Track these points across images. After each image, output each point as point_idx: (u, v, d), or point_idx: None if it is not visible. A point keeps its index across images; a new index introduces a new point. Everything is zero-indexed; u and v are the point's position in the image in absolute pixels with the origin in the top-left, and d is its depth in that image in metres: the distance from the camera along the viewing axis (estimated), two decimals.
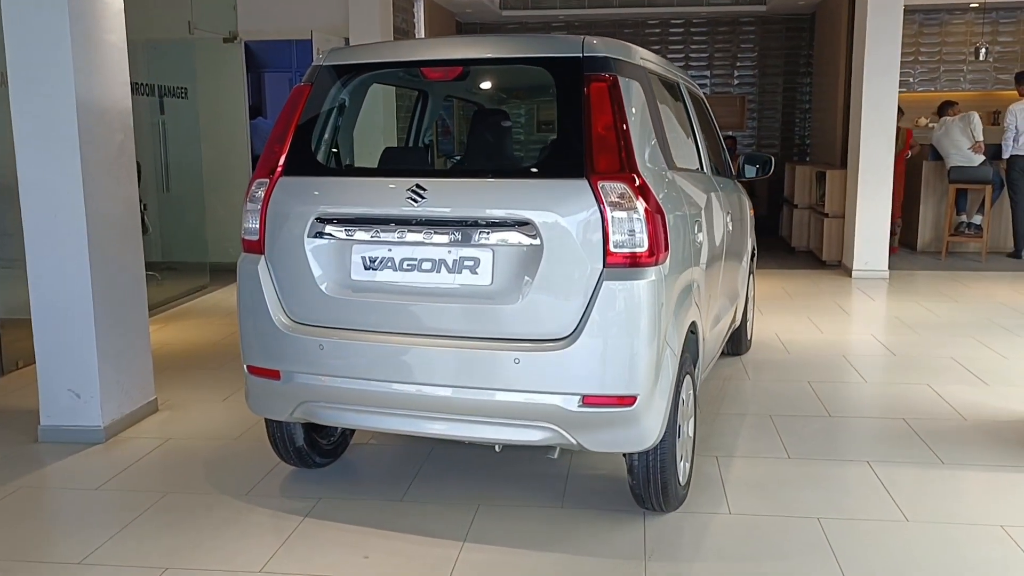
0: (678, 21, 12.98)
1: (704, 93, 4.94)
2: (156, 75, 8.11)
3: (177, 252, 8.59)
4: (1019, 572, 2.91)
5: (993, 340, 6.02)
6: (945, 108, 9.96)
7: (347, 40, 8.65)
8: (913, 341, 6.06)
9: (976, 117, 9.75)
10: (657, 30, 13.03)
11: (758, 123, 13.18)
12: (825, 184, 9.57)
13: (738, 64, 13.06)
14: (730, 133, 12.38)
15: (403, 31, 9.67)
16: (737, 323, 5.25)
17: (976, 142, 9.51)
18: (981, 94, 12.04)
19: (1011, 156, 9.55)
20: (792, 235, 10.73)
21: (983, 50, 10.63)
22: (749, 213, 5.43)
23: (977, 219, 9.88)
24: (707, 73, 13.07)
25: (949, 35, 12.14)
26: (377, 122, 8.89)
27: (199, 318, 6.99)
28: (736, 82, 13.11)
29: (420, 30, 10.29)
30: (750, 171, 5.18)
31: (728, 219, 4.46)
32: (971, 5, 11.79)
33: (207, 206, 8.58)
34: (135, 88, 7.72)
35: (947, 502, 3.46)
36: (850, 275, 8.73)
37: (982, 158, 9.57)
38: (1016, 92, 9.79)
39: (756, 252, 5.82)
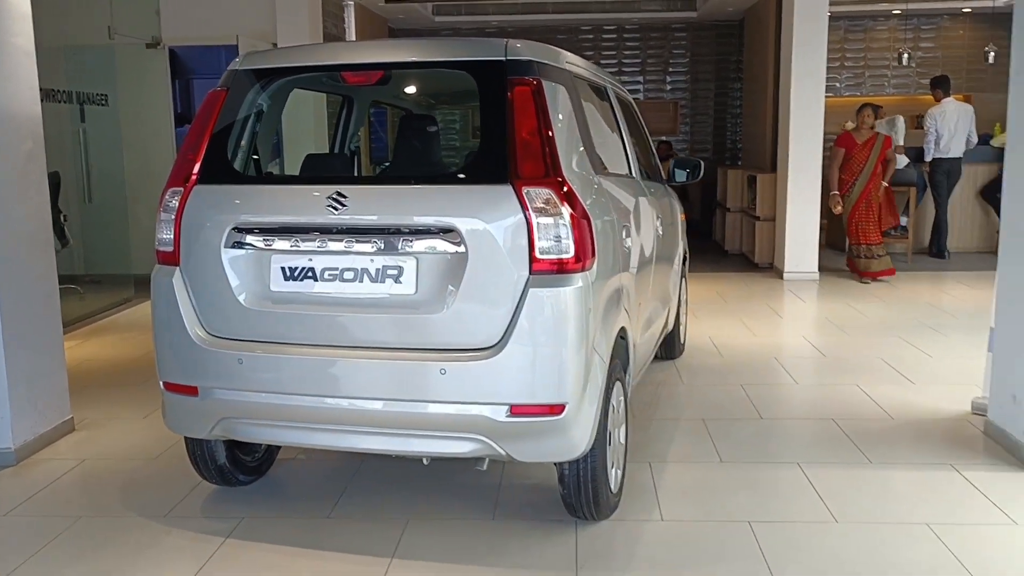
0: (611, 27, 13.06)
1: (637, 98, 4.93)
2: (75, 81, 7.84)
3: (100, 264, 8.30)
4: (945, 570, 2.93)
5: (920, 339, 6.13)
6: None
7: (275, 45, 8.47)
8: (843, 342, 6.15)
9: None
10: (590, 36, 13.09)
11: (691, 128, 13.31)
12: (756, 188, 9.69)
13: (670, 69, 13.19)
14: (664, 138, 12.49)
15: (334, 37, 9.51)
16: (670, 327, 5.25)
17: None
18: (904, 98, 12.36)
19: (933, 159, 9.79)
20: (725, 238, 10.84)
21: (905, 55, 10.88)
22: (680, 217, 5.44)
23: (903, 220, 10.09)
24: (640, 79, 13.16)
25: (873, 41, 12.43)
26: (308, 129, 8.72)
27: (121, 332, 6.75)
28: (669, 87, 13.23)
29: (351, 36, 10.15)
30: (680, 175, 5.18)
31: (658, 223, 4.45)
32: (894, 12, 12.09)
33: (131, 216, 8.32)
34: (52, 95, 7.46)
35: (875, 502, 3.48)
36: (782, 277, 8.84)
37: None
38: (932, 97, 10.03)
39: (688, 256, 5.84)
